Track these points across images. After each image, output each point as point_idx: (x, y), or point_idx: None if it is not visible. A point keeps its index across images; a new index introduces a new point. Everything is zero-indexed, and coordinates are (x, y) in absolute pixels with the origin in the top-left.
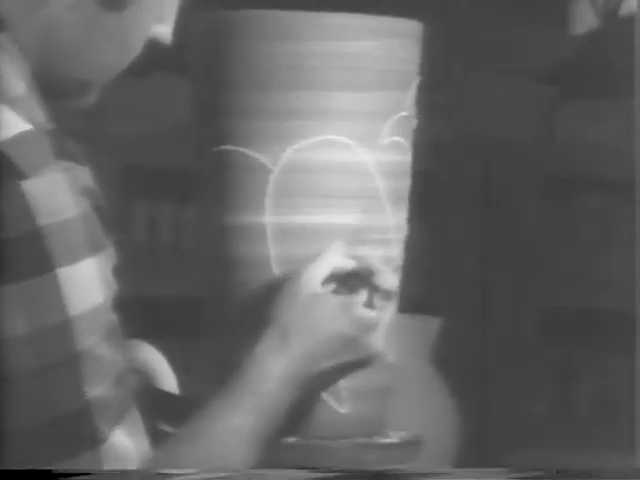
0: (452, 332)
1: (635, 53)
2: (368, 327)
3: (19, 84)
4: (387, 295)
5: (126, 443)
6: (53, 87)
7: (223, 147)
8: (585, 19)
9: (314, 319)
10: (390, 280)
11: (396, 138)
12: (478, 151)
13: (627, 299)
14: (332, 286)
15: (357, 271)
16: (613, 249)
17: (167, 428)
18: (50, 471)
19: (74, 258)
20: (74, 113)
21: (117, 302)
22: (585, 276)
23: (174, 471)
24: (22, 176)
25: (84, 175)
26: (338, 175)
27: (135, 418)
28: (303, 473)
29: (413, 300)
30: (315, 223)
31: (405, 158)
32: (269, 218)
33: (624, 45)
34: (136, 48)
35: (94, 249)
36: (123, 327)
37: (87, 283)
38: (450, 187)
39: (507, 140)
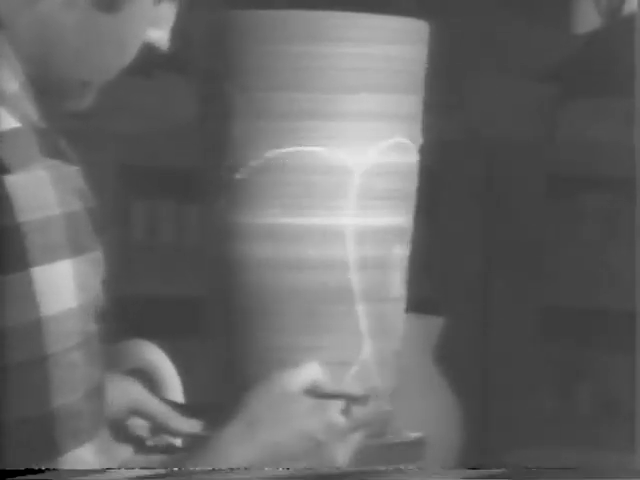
0: (454, 331)
1: (636, 52)
2: (338, 435)
3: (12, 82)
4: (363, 400)
5: (89, 460)
6: (47, 86)
7: (298, 148)
8: (587, 18)
9: (285, 415)
10: (368, 396)
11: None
12: (480, 150)
13: (628, 298)
14: (308, 396)
15: (336, 394)
16: (614, 248)
17: (173, 441)
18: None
19: (51, 258)
20: (72, 113)
21: (126, 301)
22: (586, 275)
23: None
24: (5, 171)
25: (73, 175)
26: (405, 177)
27: (105, 438)
28: (306, 471)
29: (415, 300)
30: (389, 225)
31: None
32: (350, 220)
33: (626, 44)
34: (131, 52)
35: (75, 251)
36: (126, 327)
37: (62, 285)
38: (452, 186)
39: (509, 139)
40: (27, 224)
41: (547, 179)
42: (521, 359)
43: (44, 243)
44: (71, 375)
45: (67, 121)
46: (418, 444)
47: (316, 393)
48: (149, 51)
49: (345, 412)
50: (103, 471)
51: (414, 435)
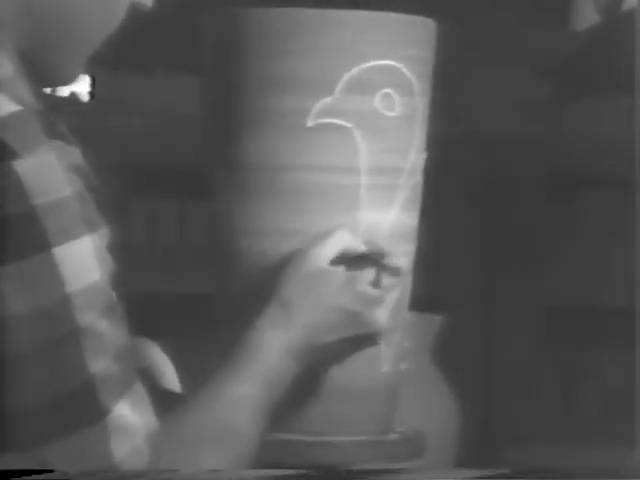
0: (455, 330)
1: (636, 49)
2: (371, 303)
3: (6, 65)
4: (395, 272)
5: (131, 416)
6: (39, 64)
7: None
8: (587, 15)
9: (317, 293)
10: (400, 260)
11: None
12: (480, 148)
13: (628, 297)
14: (340, 265)
15: (367, 254)
16: (614, 247)
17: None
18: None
19: (70, 236)
20: (73, 104)
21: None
22: (586, 274)
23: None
24: (15, 156)
25: (75, 155)
26: None
27: (139, 391)
28: (306, 472)
29: (416, 298)
30: None
31: None
32: None
33: (626, 41)
34: (120, 12)
35: (89, 227)
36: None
37: (84, 261)
38: (453, 184)
39: (509, 137)
40: (42, 206)
41: (547, 178)
42: (522, 357)
43: (61, 223)
44: (102, 342)
45: (62, 103)
46: (418, 443)
47: (348, 258)
48: (134, 11)
49: (375, 283)
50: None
51: (414, 433)
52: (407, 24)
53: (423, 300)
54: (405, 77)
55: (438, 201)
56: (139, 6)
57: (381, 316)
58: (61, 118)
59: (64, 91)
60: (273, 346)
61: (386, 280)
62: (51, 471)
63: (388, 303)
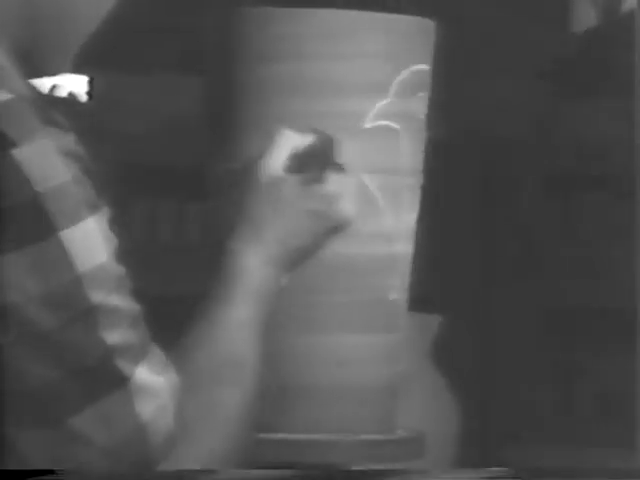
0: (453, 330)
1: (635, 51)
2: (332, 198)
3: None
4: (340, 168)
5: (152, 378)
6: (31, 53)
7: None
8: (586, 16)
9: (279, 202)
10: (341, 156)
11: None
12: (479, 148)
13: (628, 297)
14: (294, 166)
15: (316, 144)
16: (614, 247)
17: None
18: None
19: (75, 219)
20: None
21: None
22: (586, 274)
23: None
24: (13, 144)
25: (70, 141)
26: None
27: (157, 353)
28: (308, 472)
29: (415, 299)
30: None
31: None
32: None
33: (625, 42)
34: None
35: (92, 209)
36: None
37: (91, 241)
38: (450, 185)
39: (507, 138)
40: (44, 193)
41: (546, 178)
42: (522, 358)
43: (65, 207)
44: (115, 315)
45: (61, 104)
46: (419, 443)
47: (300, 156)
48: None
49: (324, 178)
50: None
51: (414, 434)
52: (424, 27)
53: (423, 300)
54: (430, 80)
55: (438, 201)
56: None
57: (346, 207)
58: (54, 106)
59: (63, 92)
60: (252, 262)
61: (333, 174)
62: (52, 472)
63: (348, 192)
